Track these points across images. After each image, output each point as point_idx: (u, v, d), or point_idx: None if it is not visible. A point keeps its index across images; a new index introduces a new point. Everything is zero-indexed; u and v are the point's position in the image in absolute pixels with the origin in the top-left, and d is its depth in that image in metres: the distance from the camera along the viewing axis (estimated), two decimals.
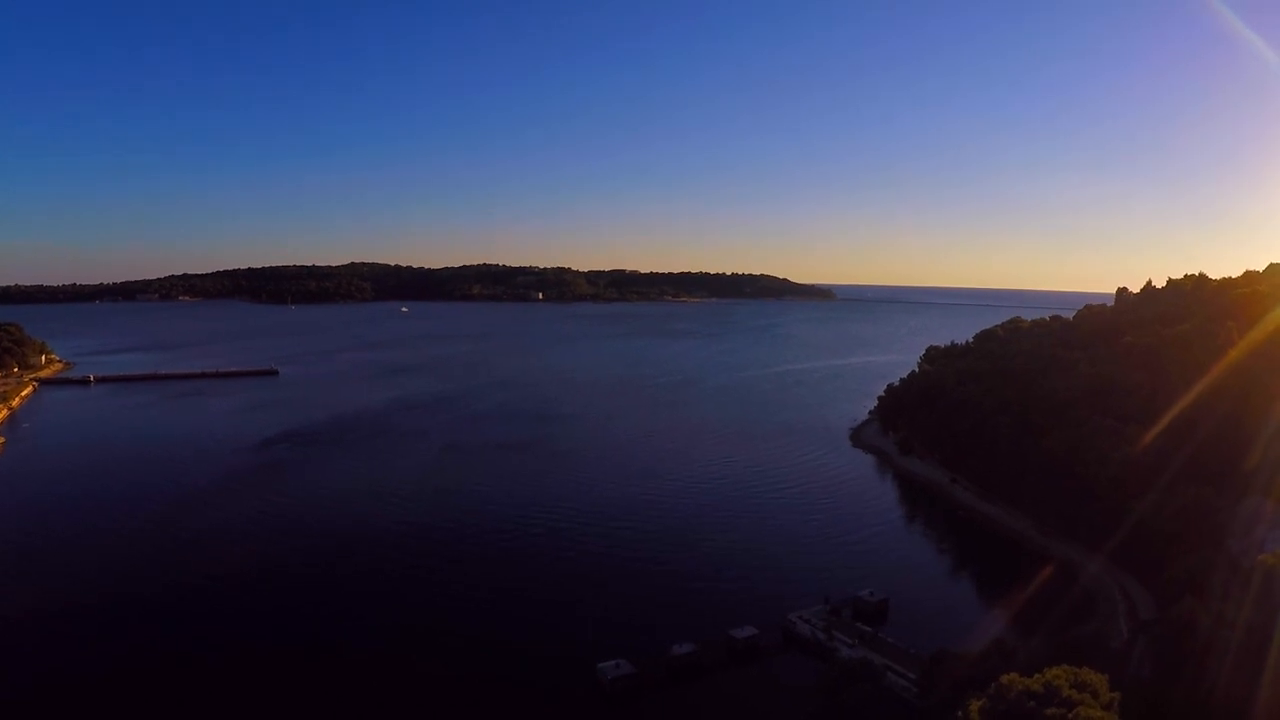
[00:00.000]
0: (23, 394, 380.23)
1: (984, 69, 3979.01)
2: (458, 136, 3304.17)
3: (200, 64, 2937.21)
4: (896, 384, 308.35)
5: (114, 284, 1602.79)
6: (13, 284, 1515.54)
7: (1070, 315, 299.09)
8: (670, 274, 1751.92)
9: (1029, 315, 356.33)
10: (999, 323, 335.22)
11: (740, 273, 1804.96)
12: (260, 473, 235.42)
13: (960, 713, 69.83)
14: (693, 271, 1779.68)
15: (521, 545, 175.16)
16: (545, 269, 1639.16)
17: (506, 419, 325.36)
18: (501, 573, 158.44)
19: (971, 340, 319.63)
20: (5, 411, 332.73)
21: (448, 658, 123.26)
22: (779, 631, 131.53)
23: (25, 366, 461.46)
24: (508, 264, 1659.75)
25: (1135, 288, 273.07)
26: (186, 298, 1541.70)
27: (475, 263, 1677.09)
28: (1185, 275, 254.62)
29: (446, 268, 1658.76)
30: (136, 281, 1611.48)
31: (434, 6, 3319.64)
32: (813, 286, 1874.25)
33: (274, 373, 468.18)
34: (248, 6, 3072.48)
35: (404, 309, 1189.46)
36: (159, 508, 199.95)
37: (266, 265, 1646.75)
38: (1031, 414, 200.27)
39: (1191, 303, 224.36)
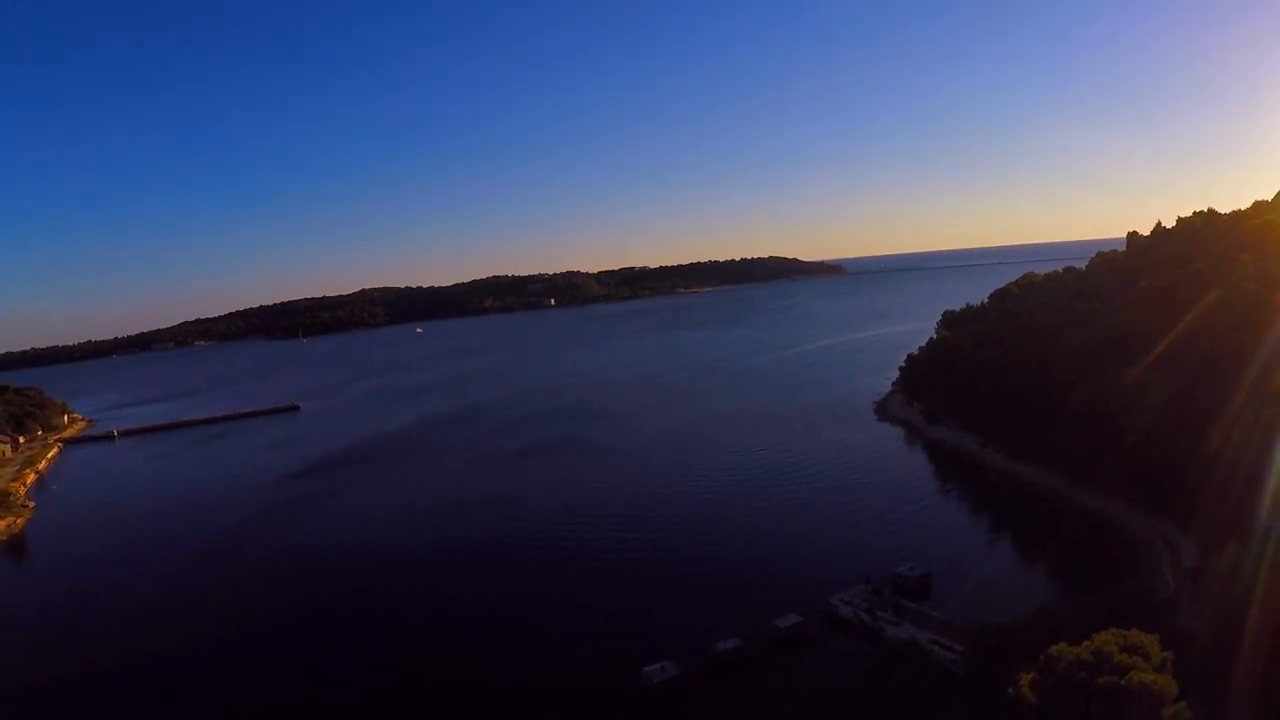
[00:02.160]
0: (48, 456, 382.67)
1: (978, 23, 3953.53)
2: (456, 152, 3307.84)
3: (193, 105, 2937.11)
4: (916, 353, 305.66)
5: (128, 336, 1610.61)
6: (29, 347, 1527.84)
7: (1083, 265, 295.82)
8: (680, 266, 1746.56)
9: (1042, 269, 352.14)
10: (1012, 280, 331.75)
11: (749, 257, 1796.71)
12: (288, 509, 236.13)
13: (1010, 689, 68.60)
14: (702, 261, 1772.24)
15: (554, 551, 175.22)
16: (554, 274, 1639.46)
17: (529, 427, 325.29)
18: (538, 580, 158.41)
19: (987, 301, 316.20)
20: (33, 475, 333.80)
21: (490, 670, 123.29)
22: (822, 616, 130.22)
23: (48, 428, 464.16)
24: (517, 274, 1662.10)
25: (1146, 231, 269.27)
26: (202, 342, 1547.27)
27: (484, 276, 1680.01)
28: (1194, 213, 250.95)
29: (457, 284, 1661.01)
30: (150, 332, 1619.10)
31: (423, 24, 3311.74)
32: (823, 263, 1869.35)
33: (295, 408, 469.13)
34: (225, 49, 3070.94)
35: (419, 330, 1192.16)
36: (189, 555, 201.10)
37: (278, 301, 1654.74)
38: (1054, 370, 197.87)
39: (1204, 239, 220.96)
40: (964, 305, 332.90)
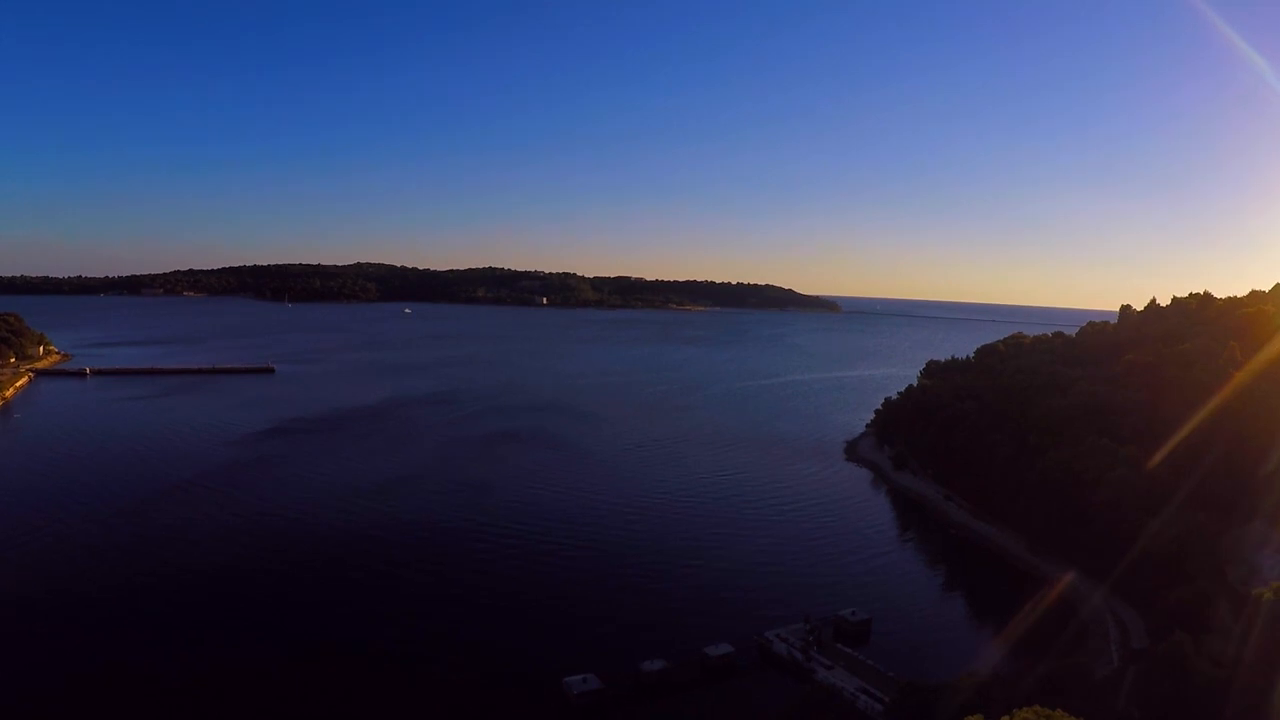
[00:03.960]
0: (17, 384, 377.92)
1: (994, 86, 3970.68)
2: (466, 140, 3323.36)
3: (208, 60, 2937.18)
4: (894, 398, 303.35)
5: (119, 278, 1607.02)
6: (18, 275, 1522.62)
7: (1073, 332, 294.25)
8: (675, 282, 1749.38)
9: (1032, 331, 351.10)
10: (1001, 338, 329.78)
11: (745, 282, 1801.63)
12: (246, 467, 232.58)
13: None
14: (698, 280, 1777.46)
15: (501, 545, 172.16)
16: (550, 274, 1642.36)
17: (502, 418, 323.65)
18: (474, 578, 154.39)
19: (972, 355, 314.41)
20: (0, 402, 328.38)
21: (412, 662, 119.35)
22: (756, 650, 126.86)
23: (23, 357, 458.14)
24: (513, 268, 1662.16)
25: (1140, 306, 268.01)
26: (191, 293, 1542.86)
27: (480, 266, 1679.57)
28: (1190, 294, 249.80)
29: (452, 270, 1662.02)
30: (142, 276, 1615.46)
31: (447, 10, 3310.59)
32: (818, 298, 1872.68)
33: (270, 370, 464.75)
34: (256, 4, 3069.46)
35: (407, 310, 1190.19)
36: (139, 500, 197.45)
37: (272, 263, 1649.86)
38: (1028, 432, 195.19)
39: (1196, 321, 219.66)
40: (950, 356, 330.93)
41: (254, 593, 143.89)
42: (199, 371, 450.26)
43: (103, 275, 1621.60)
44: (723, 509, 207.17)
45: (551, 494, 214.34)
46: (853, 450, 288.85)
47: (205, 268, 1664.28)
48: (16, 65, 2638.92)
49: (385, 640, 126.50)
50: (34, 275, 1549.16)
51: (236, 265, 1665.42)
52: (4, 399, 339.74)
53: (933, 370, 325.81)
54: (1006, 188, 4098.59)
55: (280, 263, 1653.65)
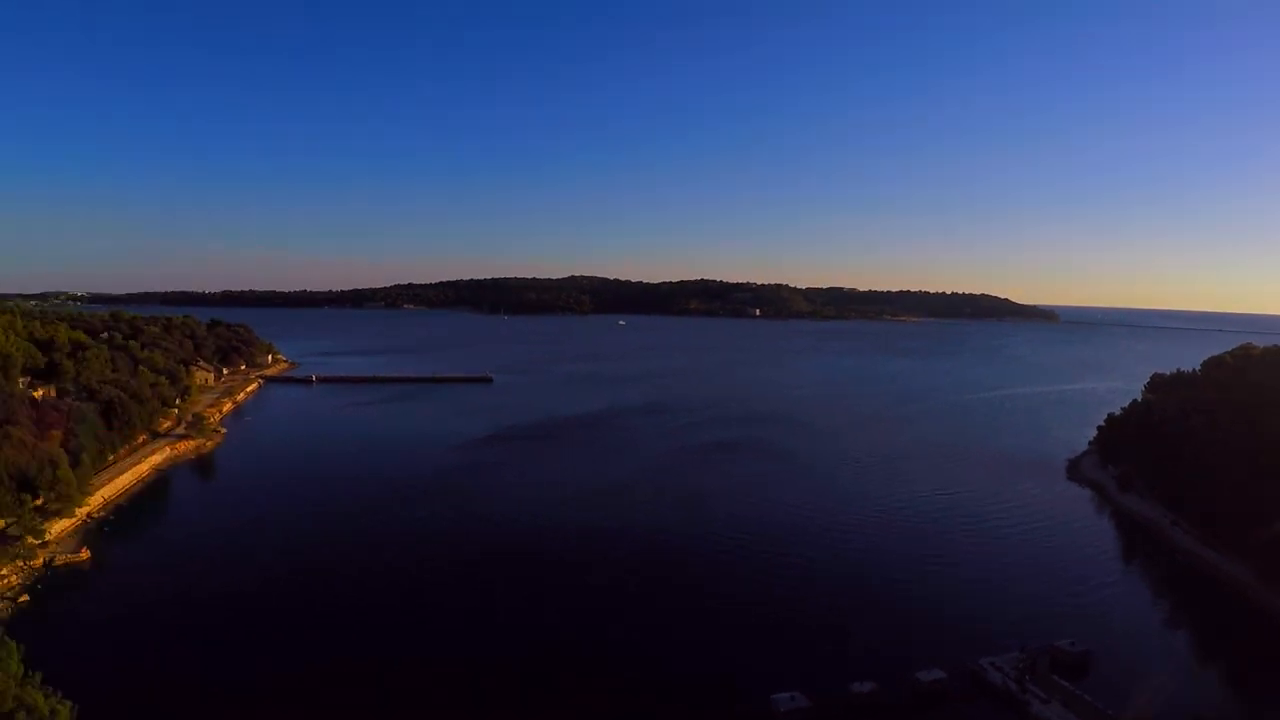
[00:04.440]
0: (248, 389, 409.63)
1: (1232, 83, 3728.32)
2: (682, 149, 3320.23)
3: (434, 80, 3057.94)
4: (1118, 413, 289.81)
5: (343, 291, 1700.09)
6: (248, 289, 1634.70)
7: None
8: (888, 292, 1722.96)
9: (1263, 341, 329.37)
10: (1229, 349, 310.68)
11: (960, 292, 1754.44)
12: (465, 471, 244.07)
13: None
14: (911, 290, 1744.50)
15: (707, 562, 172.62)
16: (762, 285, 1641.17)
17: (716, 429, 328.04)
18: (684, 587, 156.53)
19: (1199, 368, 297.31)
20: (230, 405, 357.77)
21: (614, 670, 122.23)
22: (968, 677, 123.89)
23: (252, 364, 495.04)
24: (725, 279, 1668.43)
25: None
26: (410, 306, 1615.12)
27: (693, 278, 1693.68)
28: None
29: (665, 282, 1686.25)
30: (364, 289, 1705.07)
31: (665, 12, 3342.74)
32: (1035, 308, 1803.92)
33: (489, 379, 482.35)
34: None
35: (621, 322, 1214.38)
36: (359, 500, 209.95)
37: (488, 277, 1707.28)
38: (1262, 454, 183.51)
39: None
40: (1175, 369, 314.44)
41: (463, 592, 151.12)
42: (419, 380, 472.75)
43: (327, 289, 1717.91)
44: (938, 528, 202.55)
45: (764, 506, 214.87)
46: (1075, 469, 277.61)
47: (424, 281, 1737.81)
48: (257, 92, 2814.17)
49: (589, 645, 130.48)
50: (262, 289, 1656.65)
51: (454, 279, 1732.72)
52: (235, 402, 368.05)
53: (1157, 384, 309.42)
54: (1237, 189, 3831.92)
55: (496, 276, 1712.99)
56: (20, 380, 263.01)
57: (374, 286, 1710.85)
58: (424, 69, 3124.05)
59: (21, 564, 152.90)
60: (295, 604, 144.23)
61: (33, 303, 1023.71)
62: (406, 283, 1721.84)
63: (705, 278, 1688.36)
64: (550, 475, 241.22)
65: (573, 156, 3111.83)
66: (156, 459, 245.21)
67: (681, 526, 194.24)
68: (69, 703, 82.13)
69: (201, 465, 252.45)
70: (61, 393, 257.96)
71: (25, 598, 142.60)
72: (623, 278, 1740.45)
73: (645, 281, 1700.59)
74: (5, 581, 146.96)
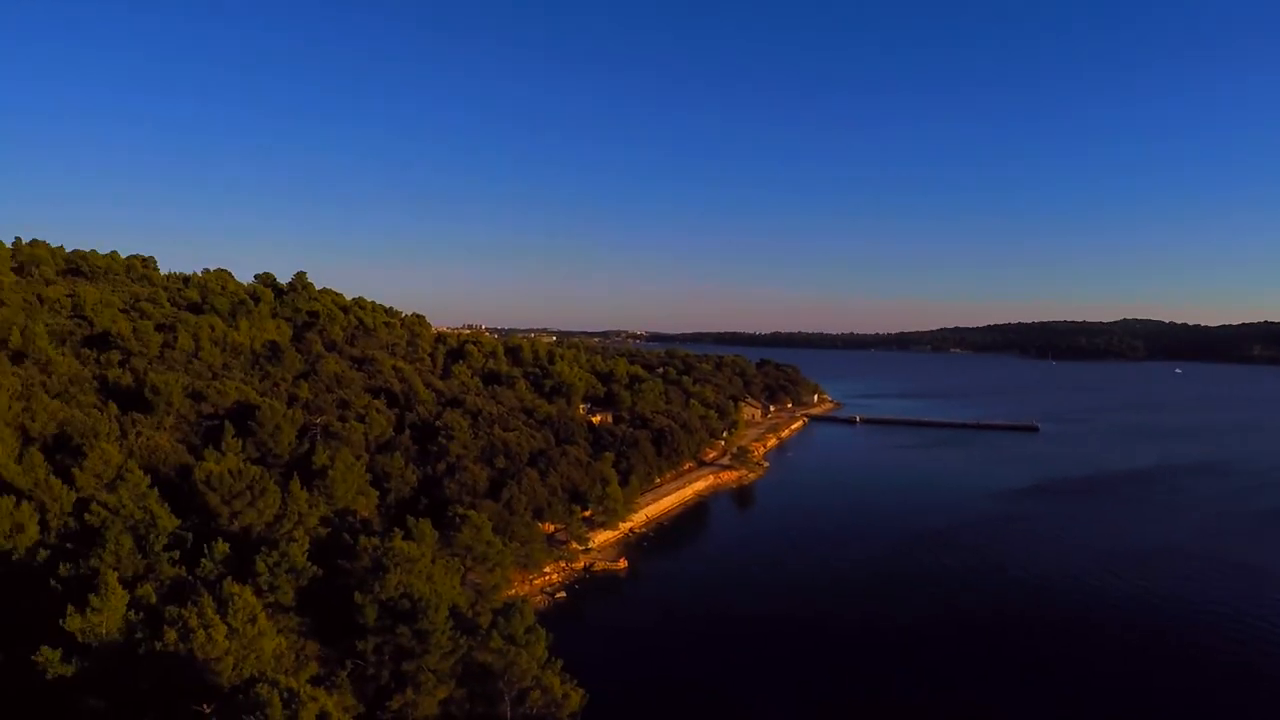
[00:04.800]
0: (793, 426, 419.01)
1: None
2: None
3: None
4: None
5: (888, 334, 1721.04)
6: (798, 331, 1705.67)
7: None
8: None
9: None
10: None
11: None
12: (999, 522, 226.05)
13: None
14: None
15: (1258, 644, 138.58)
16: None
17: None
18: (1231, 670, 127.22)
19: None
20: (774, 440, 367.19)
21: None
22: None
23: (797, 403, 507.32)
24: None
25: None
26: (956, 350, 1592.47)
27: (1255, 321, 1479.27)
28: None
29: (1225, 325, 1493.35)
30: (910, 333, 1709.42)
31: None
32: None
33: (1034, 429, 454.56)
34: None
35: (1177, 370, 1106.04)
36: (890, 543, 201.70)
37: (1036, 321, 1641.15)
38: None
39: None
40: None
41: (992, 659, 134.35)
42: (962, 426, 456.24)
43: (873, 332, 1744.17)
44: None
45: None
46: None
47: (970, 325, 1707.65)
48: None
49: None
50: (810, 331, 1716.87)
51: (1001, 323, 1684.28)
52: (780, 438, 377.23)
53: None
54: None
55: (1044, 320, 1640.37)
56: (581, 406, 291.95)
57: (920, 330, 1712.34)
58: (1000, 110, 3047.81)
59: (564, 565, 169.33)
60: (804, 643, 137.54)
61: (596, 339, 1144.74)
62: (953, 326, 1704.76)
63: (1269, 320, 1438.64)
64: (1090, 532, 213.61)
65: (1126, 196, 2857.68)
66: (700, 485, 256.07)
67: (1231, 602, 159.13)
68: (581, 690, 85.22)
69: (741, 494, 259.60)
70: (617, 419, 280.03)
71: (563, 594, 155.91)
72: (1178, 320, 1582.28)
73: (1202, 325, 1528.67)
74: (547, 579, 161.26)
